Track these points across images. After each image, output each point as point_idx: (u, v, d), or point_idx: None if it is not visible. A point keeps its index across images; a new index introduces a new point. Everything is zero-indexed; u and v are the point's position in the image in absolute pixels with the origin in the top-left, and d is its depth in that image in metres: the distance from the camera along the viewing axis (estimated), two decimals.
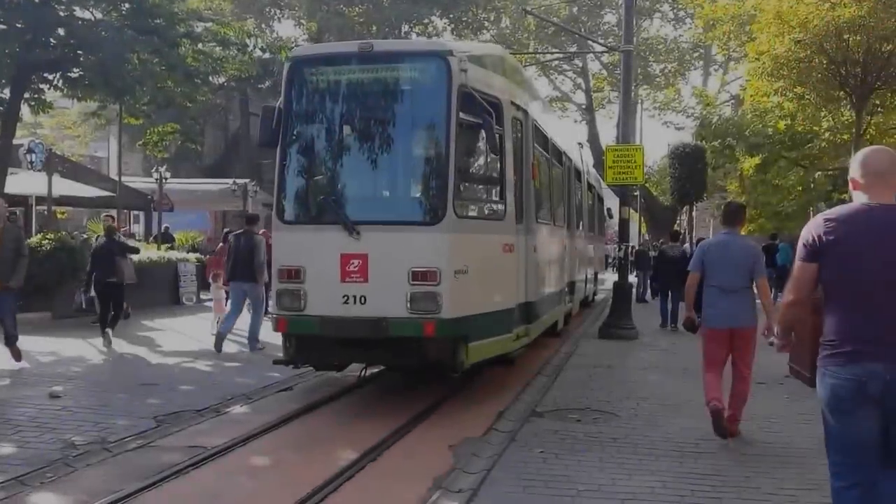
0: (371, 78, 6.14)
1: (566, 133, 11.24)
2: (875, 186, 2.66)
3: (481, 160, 6.44)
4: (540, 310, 7.52)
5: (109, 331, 8.82)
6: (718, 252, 5.13)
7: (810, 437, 5.15)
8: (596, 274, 15.43)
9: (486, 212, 6.51)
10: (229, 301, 9.13)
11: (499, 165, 6.31)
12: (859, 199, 2.70)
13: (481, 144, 6.15)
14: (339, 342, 5.95)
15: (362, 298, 5.72)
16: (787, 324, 2.94)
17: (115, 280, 8.86)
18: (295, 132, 6.30)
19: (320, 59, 6.50)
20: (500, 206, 6.38)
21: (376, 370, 7.25)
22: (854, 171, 2.74)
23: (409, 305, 5.65)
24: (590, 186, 13.79)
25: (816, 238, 2.67)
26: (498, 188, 6.41)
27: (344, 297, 5.74)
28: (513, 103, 6.61)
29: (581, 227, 12.08)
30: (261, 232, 9.58)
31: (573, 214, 10.82)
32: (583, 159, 12.68)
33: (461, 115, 5.84)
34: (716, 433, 4.92)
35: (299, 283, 5.94)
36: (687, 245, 14.17)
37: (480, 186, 6.63)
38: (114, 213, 12.99)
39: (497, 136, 6.07)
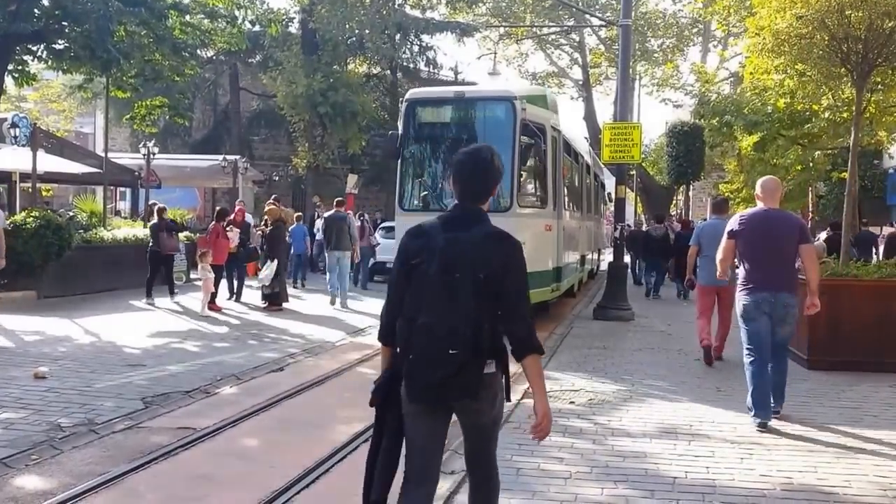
0: (462, 114, 9.28)
1: (579, 136, 14.18)
2: (767, 199, 5.09)
3: (533, 167, 9.38)
4: (566, 274, 10.38)
5: (148, 299, 10.83)
6: (710, 232, 6.97)
7: (811, 417, 5.15)
8: (599, 250, 17.63)
9: (536, 202, 9.31)
10: (326, 267, 11.78)
11: (543, 170, 9.35)
12: (759, 205, 5.14)
13: (532, 156, 9.23)
14: None
15: None
16: (722, 272, 5.31)
17: (157, 249, 10.89)
18: (410, 149, 9.36)
19: (428, 101, 9.65)
20: (544, 198, 9.34)
21: None
22: (757, 190, 5.15)
23: None
24: (596, 176, 16.25)
25: (735, 227, 5.08)
26: (542, 186, 9.40)
27: None
28: (552, 126, 9.55)
29: (590, 212, 14.83)
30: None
31: (584, 202, 13.59)
32: (590, 153, 15.00)
33: (521, 137, 8.81)
34: (704, 362, 7.00)
35: None
36: (666, 224, 14.92)
37: (532, 185, 9.48)
38: (159, 201, 12.93)
39: (542, 150, 9.19)
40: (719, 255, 5.19)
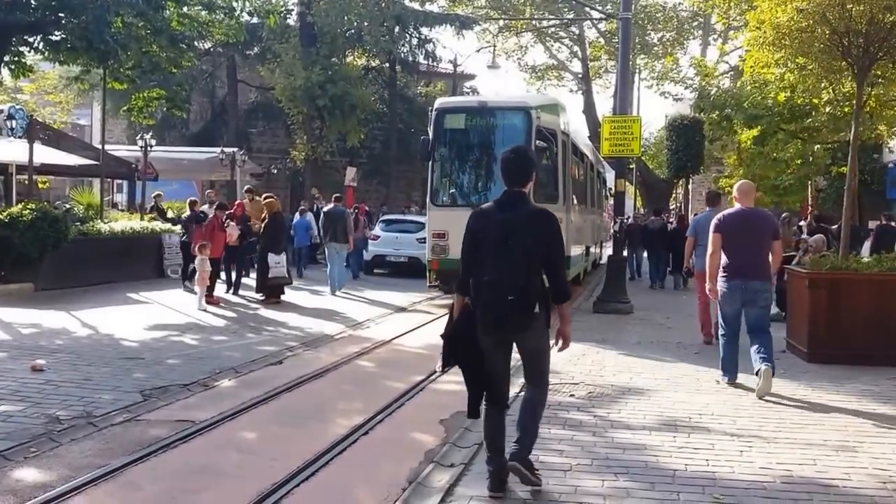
0: (485, 121, 10.58)
1: (584, 137, 15.47)
2: (744, 199, 5.88)
3: (545, 168, 10.41)
4: (573, 262, 11.43)
5: (188, 282, 11.25)
6: (705, 224, 7.04)
7: (811, 410, 5.15)
8: (601, 243, 18.20)
9: (549, 197, 10.13)
10: (327, 259, 12.44)
11: (554, 170, 10.56)
12: (737, 205, 5.93)
13: (545, 158, 10.39)
14: None
15: None
16: (712, 268, 5.89)
17: (188, 241, 11.33)
18: (440, 152, 10.71)
19: (455, 109, 10.89)
20: (555, 194, 10.44)
21: None
22: (735, 192, 5.99)
23: None
24: (598, 173, 17.27)
25: (720, 223, 5.87)
26: (554, 184, 10.54)
27: None
28: (562, 131, 10.80)
29: (593, 206, 15.84)
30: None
31: (588, 197, 14.76)
32: (592, 151, 15.81)
33: (536, 141, 10.02)
34: (704, 343, 7.65)
35: (445, 241, 10.25)
36: (663, 217, 16.00)
37: (545, 182, 10.37)
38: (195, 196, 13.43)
39: (554, 153, 10.48)
40: (709, 249, 5.93)
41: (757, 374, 5.49)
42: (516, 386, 4.60)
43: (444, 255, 10.20)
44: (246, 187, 14.45)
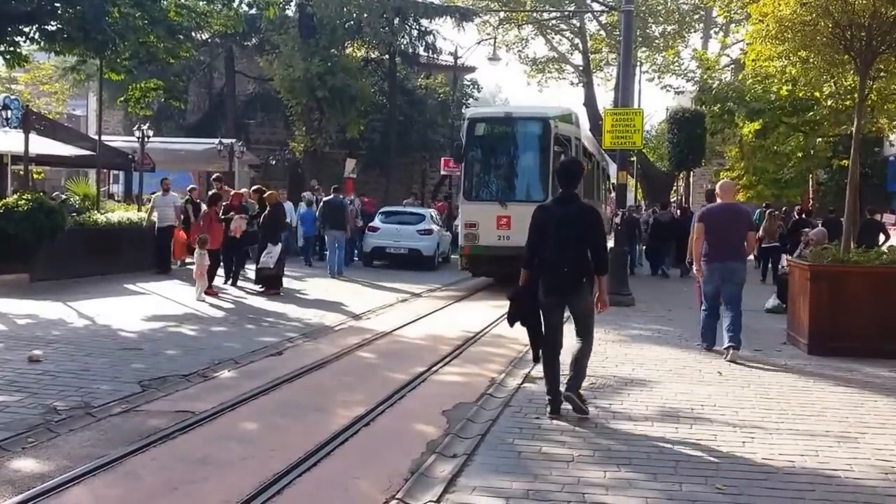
0: (511, 128, 12.48)
1: (592, 138, 16.62)
2: (725, 196, 6.94)
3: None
4: None
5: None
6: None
7: (812, 402, 5.15)
8: (604, 234, 18.79)
9: None
10: (327, 245, 13.58)
11: None
12: (720, 200, 6.92)
13: (562, 160, 11.66)
14: (492, 259, 11.87)
15: (507, 237, 11.46)
16: (696, 251, 6.85)
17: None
18: (471, 154, 12.42)
19: (484, 119, 12.87)
20: None
21: None
22: (718, 189, 7.20)
23: None
24: (603, 170, 18.32)
25: (703, 215, 6.92)
26: None
27: (498, 236, 11.68)
28: (575, 137, 12.46)
29: (599, 201, 17.17)
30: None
31: (594, 193, 16.02)
32: (599, 151, 16.96)
33: (554, 147, 11.72)
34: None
35: (476, 230, 12.02)
36: (670, 210, 16.38)
37: None
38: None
39: (569, 155, 11.44)
40: (693, 235, 6.95)
41: (726, 349, 6.57)
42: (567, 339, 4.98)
43: (475, 242, 12.03)
44: (214, 175, 14.03)
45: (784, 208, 16.72)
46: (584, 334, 4.80)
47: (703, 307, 6.99)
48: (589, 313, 4.79)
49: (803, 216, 14.36)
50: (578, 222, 4.64)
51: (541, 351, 4.76)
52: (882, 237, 12.39)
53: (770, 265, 13.60)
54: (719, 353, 6.91)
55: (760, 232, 12.71)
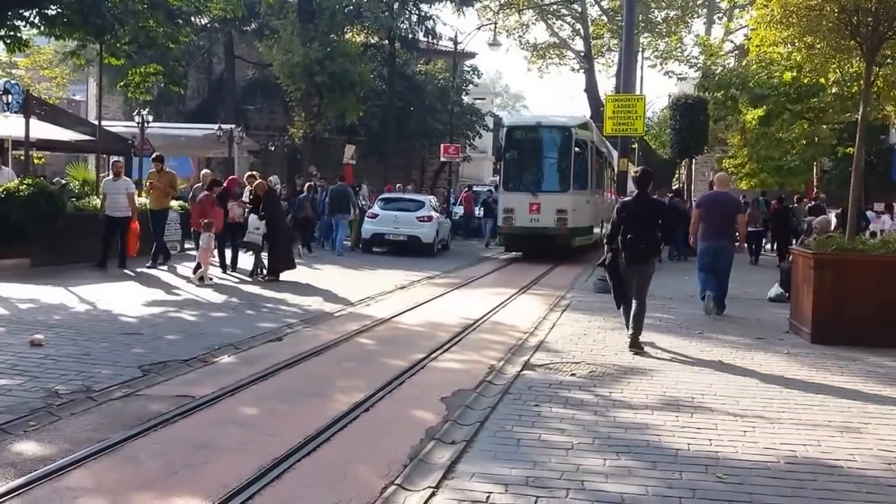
0: (540, 134, 15.87)
1: (603, 138, 18.15)
2: (720, 186, 8.80)
3: (580, 165, 15.48)
4: (595, 231, 16.42)
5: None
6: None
7: (814, 392, 5.13)
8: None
9: (581, 186, 15.49)
10: (333, 226, 15.52)
11: (586, 168, 15.70)
12: (715, 188, 8.95)
13: (580, 160, 15.39)
14: (526, 237, 15.29)
15: (537, 220, 14.97)
16: (694, 231, 8.61)
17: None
18: (508, 154, 15.87)
19: (519, 127, 16.63)
20: (585, 184, 15.68)
21: None
22: (714, 179, 9.66)
23: (555, 222, 14.90)
24: (608, 162, 19.67)
25: (700, 202, 8.98)
26: (585, 177, 15.68)
27: (530, 219, 15.04)
28: (591, 140, 15.84)
29: (605, 191, 19.36)
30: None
31: (603, 184, 18.60)
32: (606, 146, 18.78)
33: (575, 149, 15.13)
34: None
35: (512, 214, 15.25)
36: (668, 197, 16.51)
37: (580, 177, 15.48)
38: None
39: (585, 156, 15.50)
40: (693, 219, 8.59)
41: (703, 298, 8.22)
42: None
43: (512, 224, 15.29)
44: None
45: (781, 196, 16.74)
46: (641, 298, 6.52)
47: (698, 274, 8.48)
48: (649, 279, 6.67)
49: (813, 203, 14.79)
50: (650, 211, 6.54)
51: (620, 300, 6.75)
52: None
53: (755, 247, 15.31)
54: (720, 341, 6.91)
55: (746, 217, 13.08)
